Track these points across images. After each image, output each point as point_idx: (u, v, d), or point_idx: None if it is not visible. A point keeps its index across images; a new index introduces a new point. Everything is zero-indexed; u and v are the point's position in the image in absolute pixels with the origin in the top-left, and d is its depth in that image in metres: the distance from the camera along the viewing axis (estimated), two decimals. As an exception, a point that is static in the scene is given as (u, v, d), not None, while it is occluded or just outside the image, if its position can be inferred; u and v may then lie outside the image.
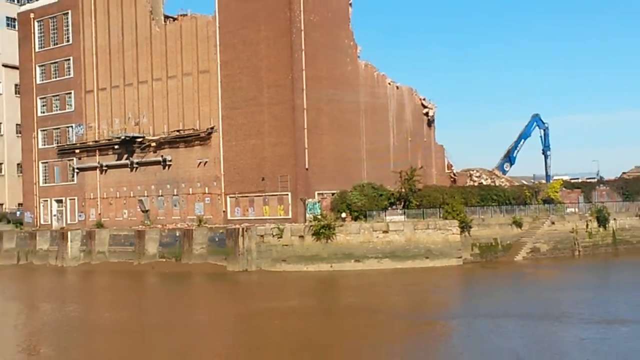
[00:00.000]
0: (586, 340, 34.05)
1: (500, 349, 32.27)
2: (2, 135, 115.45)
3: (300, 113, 74.18)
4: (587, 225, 78.54)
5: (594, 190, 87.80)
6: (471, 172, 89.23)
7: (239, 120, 78.03)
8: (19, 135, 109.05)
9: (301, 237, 69.32)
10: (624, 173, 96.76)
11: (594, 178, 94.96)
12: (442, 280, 59.71)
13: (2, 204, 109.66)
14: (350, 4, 79.55)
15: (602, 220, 78.14)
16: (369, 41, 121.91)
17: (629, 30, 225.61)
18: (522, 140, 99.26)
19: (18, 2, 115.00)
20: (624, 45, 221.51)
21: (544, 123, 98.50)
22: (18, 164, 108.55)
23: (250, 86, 77.21)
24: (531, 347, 32.46)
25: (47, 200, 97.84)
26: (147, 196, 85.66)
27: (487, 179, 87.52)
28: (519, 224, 75.24)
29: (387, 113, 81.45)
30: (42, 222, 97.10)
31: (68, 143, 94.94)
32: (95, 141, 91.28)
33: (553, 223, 76.51)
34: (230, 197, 79.19)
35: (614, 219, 80.00)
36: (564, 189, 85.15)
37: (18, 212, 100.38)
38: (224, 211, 79.69)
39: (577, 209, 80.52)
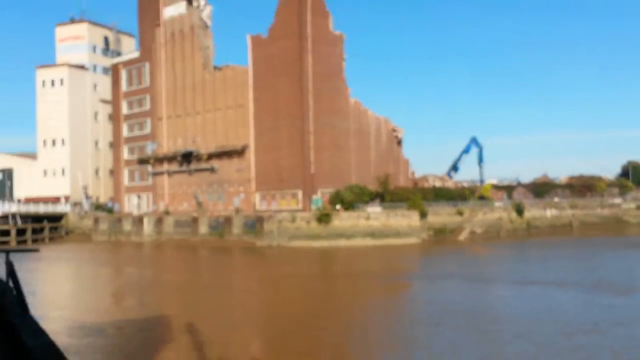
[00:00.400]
0: (504, 296, 36.00)
1: (443, 300, 34.26)
2: (99, 149, 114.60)
3: (307, 135, 78.53)
4: (509, 215, 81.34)
5: (514, 190, 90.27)
6: (427, 177, 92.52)
7: (264, 140, 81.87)
8: (111, 149, 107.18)
9: (308, 222, 73.10)
10: (535, 179, 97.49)
11: (515, 182, 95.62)
12: (407, 253, 63.03)
13: (98, 198, 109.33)
14: (344, 60, 79.76)
15: (520, 212, 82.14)
16: (358, 82, 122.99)
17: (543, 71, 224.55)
18: (464, 155, 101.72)
19: (110, 56, 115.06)
20: (544, 83, 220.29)
21: (479, 143, 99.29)
22: (110, 170, 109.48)
23: (273, 116, 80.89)
24: (464, 298, 34.45)
25: (129, 195, 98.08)
26: (200, 193, 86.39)
27: (438, 182, 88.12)
28: (461, 214, 78.78)
29: (369, 135, 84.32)
30: (126, 210, 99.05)
31: (145, 155, 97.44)
32: (164, 154, 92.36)
33: (485, 213, 76.83)
34: (258, 194, 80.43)
35: (528, 211, 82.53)
36: (493, 189, 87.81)
37: (109, 204, 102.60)
38: (254, 203, 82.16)
39: (502, 204, 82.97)
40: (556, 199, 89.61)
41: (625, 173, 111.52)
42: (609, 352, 21.95)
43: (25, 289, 10.50)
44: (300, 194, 77.02)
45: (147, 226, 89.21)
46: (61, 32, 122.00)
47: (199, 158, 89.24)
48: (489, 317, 29.15)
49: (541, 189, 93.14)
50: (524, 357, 21.81)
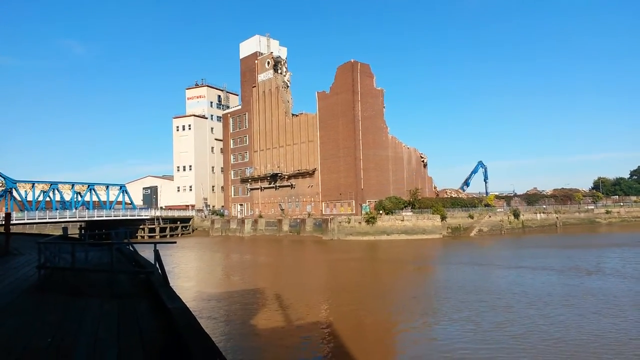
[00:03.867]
0: (504, 276, 34.84)
1: (459, 278, 34.02)
2: (214, 172, 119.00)
3: (358, 161, 78.61)
4: (508, 218, 78.91)
5: (511, 200, 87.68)
6: (446, 190, 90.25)
7: (328, 165, 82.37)
8: (222, 172, 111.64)
9: (359, 222, 73.01)
10: (527, 191, 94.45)
11: (512, 194, 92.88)
12: (431, 245, 61.76)
13: (214, 206, 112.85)
14: (384, 107, 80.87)
15: (516, 216, 79.82)
16: (394, 122, 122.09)
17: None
18: (473, 174, 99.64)
19: (222, 108, 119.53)
20: (534, 121, 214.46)
21: (484, 165, 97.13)
22: (221, 187, 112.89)
23: (334, 147, 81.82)
24: (476, 278, 34.12)
25: (235, 204, 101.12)
26: (283, 202, 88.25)
27: (454, 194, 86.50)
28: (471, 217, 76.91)
29: (402, 161, 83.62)
30: (233, 214, 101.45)
31: (245, 176, 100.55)
32: (258, 175, 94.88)
33: (490, 217, 74.81)
34: (324, 203, 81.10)
35: (523, 215, 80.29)
36: (495, 199, 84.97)
37: (222, 210, 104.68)
38: (321, 210, 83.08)
39: (503, 210, 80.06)
40: (544, 206, 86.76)
41: (596, 186, 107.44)
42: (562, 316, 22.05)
43: (166, 268, 10.89)
44: (353, 202, 76.69)
45: (247, 225, 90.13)
46: (189, 93, 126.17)
47: (282, 178, 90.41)
48: (481, 289, 29.05)
49: (532, 198, 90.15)
50: (496, 313, 22.41)
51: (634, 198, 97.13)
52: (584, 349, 17.26)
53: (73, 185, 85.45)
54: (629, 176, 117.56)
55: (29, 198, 78.97)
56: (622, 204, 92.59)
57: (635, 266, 36.68)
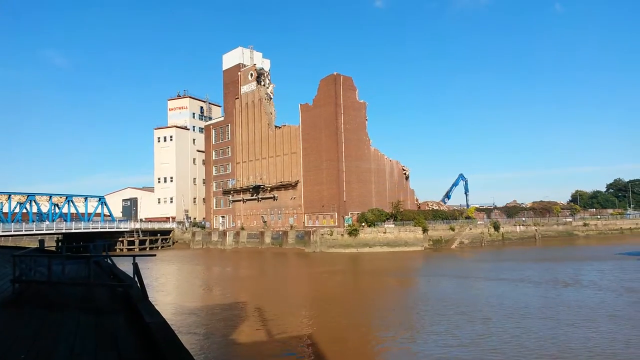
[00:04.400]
0: (483, 287, 35.60)
1: (440, 290, 34.73)
2: (196, 184, 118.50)
3: (341, 173, 78.56)
4: (488, 230, 79.37)
5: (492, 212, 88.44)
6: (428, 202, 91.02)
7: (310, 177, 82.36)
8: (204, 184, 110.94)
9: (342, 235, 73.09)
10: (507, 204, 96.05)
11: (492, 206, 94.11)
12: (412, 257, 61.69)
13: (195, 218, 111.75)
14: (366, 119, 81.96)
15: (496, 228, 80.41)
16: (377, 135, 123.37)
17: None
18: (454, 187, 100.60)
19: (204, 120, 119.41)
20: (511, 135, 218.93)
21: (465, 178, 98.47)
22: (203, 198, 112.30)
23: (316, 159, 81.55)
24: (456, 290, 34.67)
25: (217, 216, 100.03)
26: (265, 214, 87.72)
27: (436, 206, 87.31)
28: (452, 229, 77.14)
29: (384, 173, 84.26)
30: (214, 226, 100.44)
31: (227, 188, 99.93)
32: (240, 187, 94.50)
33: (471, 229, 75.72)
34: (306, 215, 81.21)
35: (502, 227, 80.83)
36: (476, 211, 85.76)
37: (203, 222, 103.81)
38: (303, 222, 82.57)
39: (483, 222, 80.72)
40: (523, 219, 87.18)
41: (574, 199, 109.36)
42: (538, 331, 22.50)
43: (145, 282, 10.75)
44: (336, 215, 76.38)
45: (229, 238, 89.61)
46: (171, 104, 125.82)
47: (264, 190, 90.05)
48: (461, 301, 29.37)
49: (512, 211, 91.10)
50: (475, 326, 22.78)
51: (610, 211, 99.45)
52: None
53: (51, 197, 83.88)
54: (605, 189, 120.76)
55: (5, 210, 77.21)
56: (599, 216, 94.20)
57: (611, 278, 37.49)
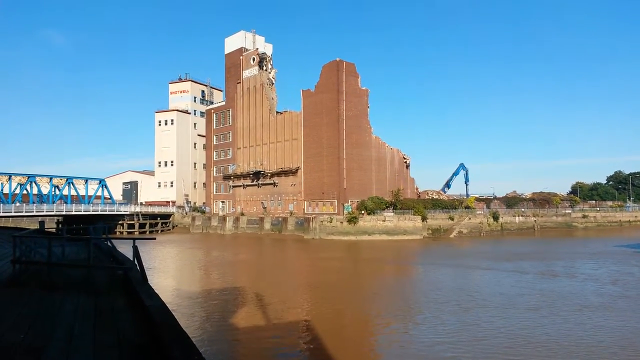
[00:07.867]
0: (482, 277, 35.92)
1: (438, 278, 34.92)
2: (196, 169, 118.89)
3: (342, 161, 78.29)
4: (487, 220, 79.65)
5: (491, 202, 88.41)
6: (428, 191, 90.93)
7: (311, 163, 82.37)
8: (204, 168, 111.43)
9: (341, 222, 72.98)
10: (507, 194, 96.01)
11: (492, 196, 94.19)
12: (411, 246, 61.81)
13: (195, 203, 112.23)
14: (368, 107, 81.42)
15: (496, 218, 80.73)
16: (378, 122, 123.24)
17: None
18: (454, 176, 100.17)
19: (206, 104, 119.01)
20: (514, 125, 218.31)
21: (466, 167, 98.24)
22: (203, 183, 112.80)
23: (317, 146, 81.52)
24: (454, 278, 35.00)
25: (217, 201, 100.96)
26: (265, 200, 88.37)
27: (436, 195, 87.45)
28: (452, 219, 77.19)
29: (385, 161, 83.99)
30: (214, 211, 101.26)
31: (227, 173, 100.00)
32: (241, 173, 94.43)
33: (470, 219, 76.03)
34: (306, 202, 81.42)
35: (502, 217, 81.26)
36: (476, 201, 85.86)
37: (203, 207, 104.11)
38: (303, 208, 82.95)
39: (482, 212, 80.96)
40: (523, 209, 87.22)
41: (574, 191, 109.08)
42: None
43: (145, 265, 10.73)
44: (336, 202, 76.62)
45: (228, 223, 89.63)
46: (172, 87, 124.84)
47: (265, 176, 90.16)
48: (460, 290, 29.63)
49: (511, 201, 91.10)
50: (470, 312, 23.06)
51: (609, 203, 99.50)
52: (548, 349, 17.98)
53: (51, 179, 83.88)
54: (605, 181, 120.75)
55: (5, 191, 77.25)
56: (598, 208, 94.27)
57: (606, 270, 37.64)
